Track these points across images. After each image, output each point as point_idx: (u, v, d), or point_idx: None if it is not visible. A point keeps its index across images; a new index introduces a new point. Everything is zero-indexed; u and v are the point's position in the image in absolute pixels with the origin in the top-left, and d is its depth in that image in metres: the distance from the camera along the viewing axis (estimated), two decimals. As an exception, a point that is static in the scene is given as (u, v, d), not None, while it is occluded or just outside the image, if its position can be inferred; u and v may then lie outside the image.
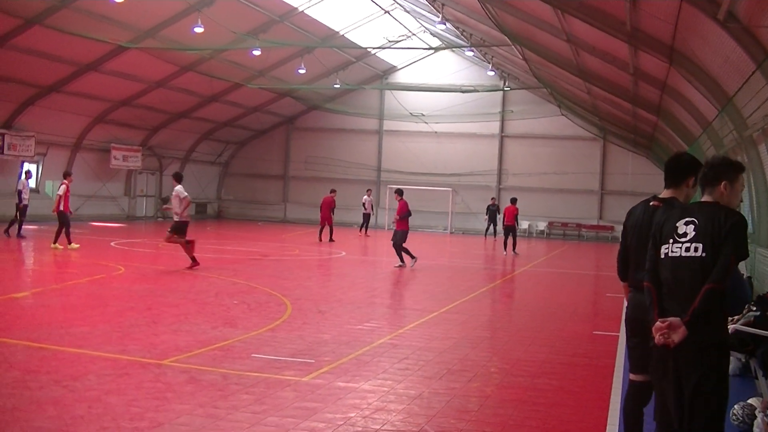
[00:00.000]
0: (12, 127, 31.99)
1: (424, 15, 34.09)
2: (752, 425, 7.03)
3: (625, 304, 6.22)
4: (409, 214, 22.21)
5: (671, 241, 4.91)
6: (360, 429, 6.88)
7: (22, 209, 25.63)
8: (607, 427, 7.27)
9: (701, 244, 4.76)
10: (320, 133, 47.27)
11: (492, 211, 39.18)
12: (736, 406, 7.29)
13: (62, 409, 6.97)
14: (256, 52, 32.17)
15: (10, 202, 30.96)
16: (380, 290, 17.43)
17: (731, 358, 9.10)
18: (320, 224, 32.24)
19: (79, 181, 36.99)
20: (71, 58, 30.20)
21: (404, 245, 21.71)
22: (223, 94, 39.14)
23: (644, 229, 5.71)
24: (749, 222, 14.97)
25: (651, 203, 5.82)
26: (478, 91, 39.63)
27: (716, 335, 4.73)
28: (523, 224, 39.45)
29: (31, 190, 29.00)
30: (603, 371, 9.75)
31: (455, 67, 43.62)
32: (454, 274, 21.84)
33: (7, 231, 25.52)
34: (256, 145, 48.67)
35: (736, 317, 9.16)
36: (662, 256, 4.95)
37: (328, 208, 32.14)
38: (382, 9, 35.87)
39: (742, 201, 5.48)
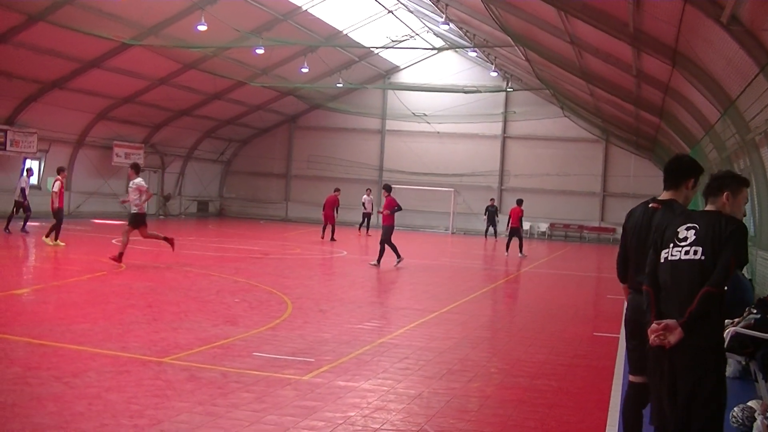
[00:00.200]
0: (14, 124, 32.02)
1: (427, 15, 34.10)
2: (752, 428, 7.03)
3: (625, 305, 6.22)
4: (398, 209, 22.17)
5: (671, 245, 4.94)
6: (360, 428, 6.88)
7: (26, 206, 25.69)
8: (607, 428, 7.27)
9: (701, 248, 4.79)
10: (323, 132, 47.28)
11: (491, 212, 39.24)
12: (735, 409, 7.29)
13: (62, 405, 6.98)
14: (260, 51, 32.17)
15: (11, 198, 31.05)
16: (381, 290, 17.43)
17: (731, 360, 9.11)
18: (323, 223, 32.32)
19: (81, 178, 37.12)
20: (74, 55, 30.22)
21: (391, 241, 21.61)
22: (226, 92, 39.16)
23: (643, 231, 5.73)
24: (750, 225, 14.96)
25: (650, 205, 5.83)
26: (480, 91, 39.62)
27: (713, 338, 4.75)
28: (525, 225, 39.37)
29: (33, 187, 29.00)
30: (603, 373, 9.75)
31: (458, 68, 43.62)
32: (455, 275, 21.85)
33: (6, 228, 25.53)
34: (259, 144, 48.68)
35: (736, 320, 9.16)
36: (662, 260, 4.98)
37: (331, 207, 32.16)
38: (386, 9, 35.86)
39: (745, 215, 5.51)
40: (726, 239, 4.74)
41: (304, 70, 37.07)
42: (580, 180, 42.63)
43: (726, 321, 8.70)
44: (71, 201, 36.57)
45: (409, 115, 44.65)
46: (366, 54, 41.32)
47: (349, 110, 45.21)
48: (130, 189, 19.03)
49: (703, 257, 4.75)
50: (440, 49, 41.84)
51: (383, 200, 23.06)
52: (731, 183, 5.08)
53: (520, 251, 28.81)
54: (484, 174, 44.40)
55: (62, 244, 21.90)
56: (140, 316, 11.68)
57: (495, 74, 39.66)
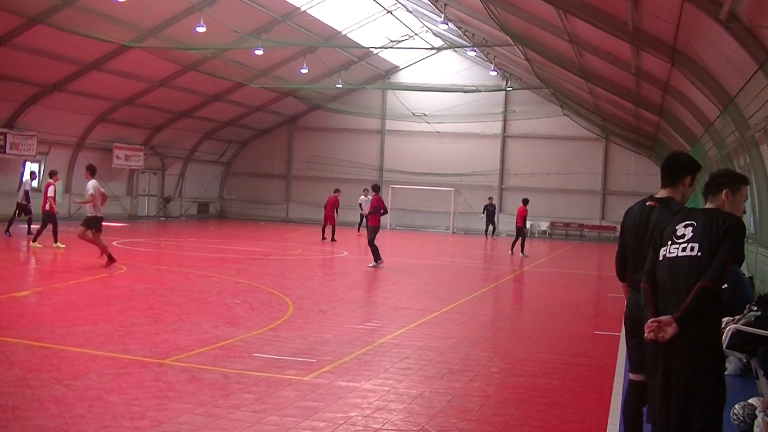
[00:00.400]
0: (14, 127, 32.01)
1: (426, 15, 34.08)
2: (753, 425, 7.02)
3: (625, 304, 6.22)
4: (383, 212, 22.04)
5: (670, 243, 4.95)
6: (361, 428, 6.89)
7: (28, 209, 25.67)
8: (608, 427, 7.27)
9: (697, 244, 4.79)
10: (323, 133, 47.29)
11: (489, 211, 39.28)
12: (736, 406, 7.28)
13: (63, 407, 6.98)
14: (259, 52, 32.17)
15: (11, 201, 31.03)
16: (381, 290, 17.43)
17: (732, 358, 9.11)
18: (323, 223, 32.37)
19: (82, 180, 36.91)
20: (74, 57, 30.22)
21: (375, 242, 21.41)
22: (226, 93, 39.15)
23: (641, 229, 5.73)
24: (750, 223, 14.96)
25: (647, 203, 5.83)
26: (480, 91, 39.62)
27: (709, 337, 4.74)
28: (526, 224, 39.32)
29: (33, 190, 28.99)
30: (604, 371, 9.75)
31: (457, 67, 43.60)
32: (456, 274, 21.85)
33: (7, 230, 25.53)
34: (259, 145, 48.68)
35: (737, 317, 9.15)
36: (660, 258, 4.98)
37: (331, 207, 32.20)
38: (385, 9, 35.85)
39: (745, 212, 5.50)
40: (723, 236, 4.73)
41: (304, 71, 37.08)
42: (580, 178, 42.62)
43: (727, 318, 8.71)
44: (71, 203, 36.58)
45: (408, 115, 44.65)
46: (365, 54, 41.32)
47: (349, 111, 45.22)
48: (85, 191, 18.80)
49: (699, 254, 4.75)
50: (439, 49, 41.86)
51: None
52: (730, 181, 5.07)
53: (522, 251, 28.82)
54: (485, 173, 44.39)
55: (40, 246, 21.80)
56: (141, 318, 11.69)
57: (494, 73, 39.66)
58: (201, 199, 46.99)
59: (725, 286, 4.98)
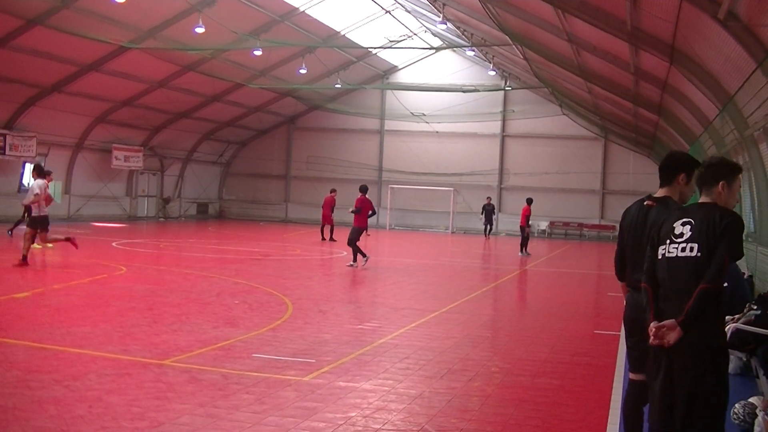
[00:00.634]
0: (13, 128, 32.02)
1: (425, 15, 34.08)
2: (753, 424, 7.02)
3: (624, 304, 6.22)
4: (372, 213, 21.83)
5: (668, 241, 4.92)
6: (360, 428, 6.88)
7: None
8: (608, 426, 7.27)
9: (696, 244, 4.77)
10: (321, 133, 47.29)
11: (488, 211, 39.32)
12: (737, 405, 7.28)
13: (63, 408, 6.98)
14: (258, 52, 32.18)
15: (10, 202, 31.03)
16: (381, 290, 17.43)
17: (732, 357, 9.10)
18: (322, 223, 32.40)
19: (81, 182, 37.14)
20: (72, 59, 30.23)
21: (357, 243, 21.20)
22: (225, 94, 39.16)
23: (639, 229, 5.74)
24: (750, 221, 14.96)
25: (645, 203, 5.84)
26: (479, 90, 39.64)
27: (712, 336, 4.73)
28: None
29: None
30: (604, 370, 9.75)
31: (456, 67, 43.62)
32: (455, 274, 21.85)
33: (10, 231, 25.51)
34: (258, 145, 48.69)
35: (737, 316, 9.16)
36: (659, 257, 4.96)
37: (329, 207, 32.23)
38: (383, 9, 35.87)
39: (738, 201, 5.48)
40: (721, 234, 4.71)
41: (303, 71, 37.08)
42: (579, 178, 42.63)
43: (726, 317, 8.70)
44: (71, 204, 36.63)
45: (407, 115, 44.65)
46: (364, 54, 41.32)
47: (348, 111, 45.22)
48: (30, 191, 18.61)
49: (699, 254, 4.74)
50: (438, 49, 41.87)
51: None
52: (727, 173, 5.01)
53: (523, 250, 28.77)
54: (484, 173, 44.41)
55: (40, 246, 21.74)
56: (141, 319, 11.68)
57: (493, 73, 39.70)
58: (200, 200, 47.00)
59: (726, 284, 4.98)
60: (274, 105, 43.99)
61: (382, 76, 46.08)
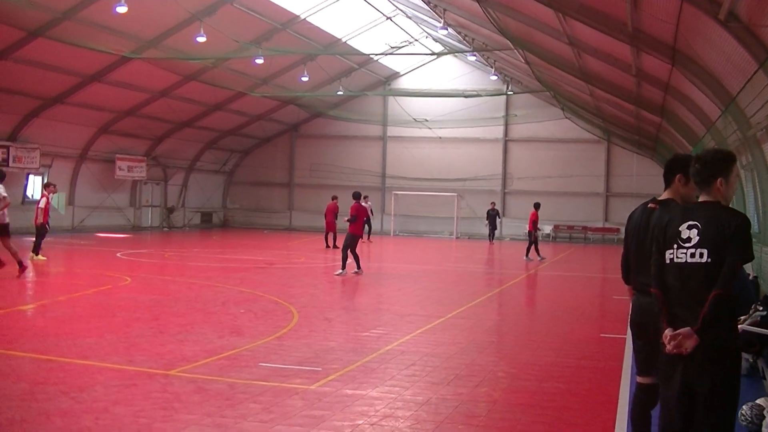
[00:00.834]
0: (17, 140, 32.09)
1: (426, 21, 34.11)
2: (761, 425, 7.00)
3: (630, 307, 6.21)
4: (365, 220, 21.56)
5: (675, 246, 4.85)
6: (368, 436, 6.87)
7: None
8: (615, 430, 7.25)
9: (706, 250, 4.70)
10: (324, 140, 47.32)
11: (492, 216, 39.32)
12: (744, 407, 7.26)
13: (70, 420, 6.98)
14: (259, 61, 32.21)
15: (14, 214, 31.02)
16: (386, 296, 17.42)
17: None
18: (325, 231, 32.43)
19: (85, 192, 37.19)
20: (75, 70, 30.30)
21: (356, 251, 20.97)
22: (227, 102, 39.22)
23: (642, 232, 5.74)
24: (755, 221, 14.93)
25: (648, 205, 5.84)
26: (481, 95, 39.65)
27: (727, 339, 4.70)
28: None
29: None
30: (610, 374, 9.72)
31: (458, 72, 43.65)
32: (460, 279, 21.83)
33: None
34: (261, 153, 48.73)
35: (742, 317, 9.14)
36: (667, 262, 4.90)
37: (332, 214, 32.24)
38: (384, 15, 35.91)
39: (736, 189, 5.43)
40: (730, 237, 4.65)
41: (305, 79, 37.11)
42: (582, 181, 42.61)
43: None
44: (75, 215, 36.68)
45: (410, 121, 44.65)
46: (366, 61, 41.37)
47: (350, 117, 45.25)
48: None
49: (709, 259, 4.68)
50: (439, 54, 41.87)
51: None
52: (723, 167, 4.89)
53: (527, 254, 28.63)
54: (487, 178, 44.40)
55: (44, 258, 21.76)
56: (146, 329, 11.68)
57: (495, 78, 39.66)
58: (204, 209, 47.04)
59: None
60: (277, 113, 44.04)
61: (384, 82, 46.12)
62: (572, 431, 7.35)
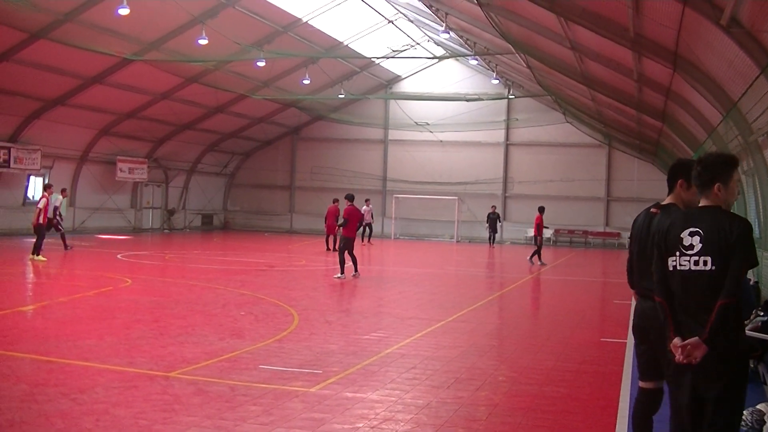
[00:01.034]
0: (18, 141, 32.11)
1: (427, 24, 34.15)
2: (761, 431, 7.00)
3: (632, 311, 6.21)
4: (359, 223, 21.40)
5: (678, 253, 4.82)
6: (368, 439, 6.87)
7: (56, 224, 25.50)
8: (616, 435, 7.25)
9: (709, 257, 4.67)
10: (325, 143, 47.34)
11: (492, 219, 39.33)
12: (745, 412, 7.24)
13: (70, 421, 6.97)
14: (261, 63, 32.24)
15: (16, 215, 31.10)
16: (387, 299, 17.41)
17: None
18: (326, 234, 32.44)
19: (86, 194, 37.21)
20: (76, 71, 30.33)
21: (353, 253, 20.80)
22: (228, 105, 39.24)
23: (644, 237, 5.74)
24: (756, 227, 14.92)
25: (651, 210, 5.85)
26: (482, 99, 39.64)
27: (734, 345, 4.69)
28: (529, 232, 39.26)
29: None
30: (611, 378, 9.72)
31: (459, 76, 43.68)
32: (461, 283, 21.83)
33: (65, 246, 25.64)
34: (262, 156, 48.76)
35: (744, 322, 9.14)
36: (670, 269, 4.87)
37: (333, 217, 32.23)
38: (386, 19, 35.95)
39: (739, 193, 5.43)
40: (733, 244, 4.62)
41: (306, 82, 37.13)
42: (583, 185, 42.60)
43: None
44: (76, 217, 36.69)
45: (411, 125, 44.68)
46: (367, 64, 41.40)
47: (352, 121, 45.26)
48: None
49: (713, 267, 4.65)
50: (441, 58, 41.91)
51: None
52: (721, 171, 4.86)
53: (530, 258, 28.56)
54: (488, 182, 44.40)
55: (44, 259, 21.80)
56: (147, 331, 11.68)
57: (496, 82, 39.68)
58: (205, 211, 47.05)
59: None
60: (278, 116, 44.06)
61: (386, 85, 46.15)
62: (573, 435, 7.34)
